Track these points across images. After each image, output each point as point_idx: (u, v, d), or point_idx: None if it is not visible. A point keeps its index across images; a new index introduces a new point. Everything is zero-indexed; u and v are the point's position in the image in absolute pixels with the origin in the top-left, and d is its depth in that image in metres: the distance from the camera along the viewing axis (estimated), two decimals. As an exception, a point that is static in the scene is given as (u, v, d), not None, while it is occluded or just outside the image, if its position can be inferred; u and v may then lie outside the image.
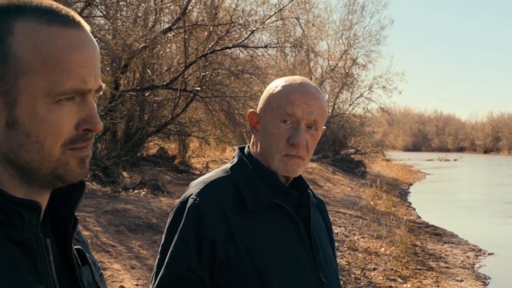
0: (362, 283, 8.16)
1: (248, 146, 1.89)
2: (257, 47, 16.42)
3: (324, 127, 1.85)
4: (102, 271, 1.23)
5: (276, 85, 1.83)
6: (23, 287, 0.93)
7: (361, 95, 33.60)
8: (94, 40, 1.03)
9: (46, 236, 0.99)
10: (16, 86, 0.95)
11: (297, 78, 1.85)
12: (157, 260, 1.76)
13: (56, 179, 1.00)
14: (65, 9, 1.00)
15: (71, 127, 0.99)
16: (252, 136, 1.89)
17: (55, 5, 1.00)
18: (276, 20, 16.93)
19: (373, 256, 9.82)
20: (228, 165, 1.86)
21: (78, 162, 1.01)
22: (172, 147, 20.39)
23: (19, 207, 0.95)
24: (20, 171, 0.98)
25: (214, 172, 1.86)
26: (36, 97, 0.96)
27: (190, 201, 1.74)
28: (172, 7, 14.97)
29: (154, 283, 1.73)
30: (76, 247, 1.09)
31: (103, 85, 1.04)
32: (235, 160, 1.86)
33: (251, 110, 1.88)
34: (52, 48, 0.96)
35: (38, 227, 0.97)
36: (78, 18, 1.01)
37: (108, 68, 12.28)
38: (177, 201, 1.81)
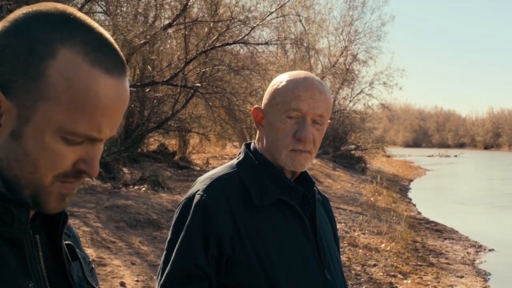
0: (362, 279, 8.16)
1: (254, 142, 1.89)
2: (257, 44, 16.38)
3: (329, 121, 1.85)
4: (93, 266, 1.22)
5: (281, 80, 1.82)
6: (12, 284, 0.93)
7: (362, 91, 33.58)
8: (128, 91, 1.01)
9: (35, 232, 0.99)
10: (35, 107, 0.94)
11: (301, 73, 1.84)
12: (163, 256, 1.76)
13: (33, 203, 0.98)
14: (115, 52, 0.98)
15: (70, 162, 0.98)
16: (258, 132, 1.88)
17: (108, 43, 0.97)
18: (277, 17, 16.91)
19: (373, 252, 9.82)
20: (234, 161, 1.86)
21: (59, 197, 0.99)
22: (172, 143, 20.39)
23: (8, 204, 0.94)
24: (5, 181, 0.97)
25: (221, 168, 1.85)
26: (49, 126, 0.94)
27: (197, 197, 1.74)
28: (172, 3, 14.94)
29: (160, 280, 1.73)
30: (66, 242, 1.09)
31: (116, 135, 1.03)
32: (241, 156, 1.86)
33: (256, 106, 1.87)
34: (85, 90, 0.94)
35: (27, 224, 0.96)
36: (124, 66, 0.99)
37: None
38: (183, 197, 1.81)
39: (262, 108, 1.84)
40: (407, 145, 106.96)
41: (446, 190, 25.23)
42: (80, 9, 10.83)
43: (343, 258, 8.92)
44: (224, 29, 15.12)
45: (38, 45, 0.93)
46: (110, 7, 13.12)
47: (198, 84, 15.31)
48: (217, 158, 20.88)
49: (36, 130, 0.94)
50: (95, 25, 0.97)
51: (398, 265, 9.23)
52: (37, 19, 0.94)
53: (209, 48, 15.14)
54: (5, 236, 0.94)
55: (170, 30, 14.90)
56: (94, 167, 0.99)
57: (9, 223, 0.94)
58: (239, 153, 1.88)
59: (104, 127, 0.97)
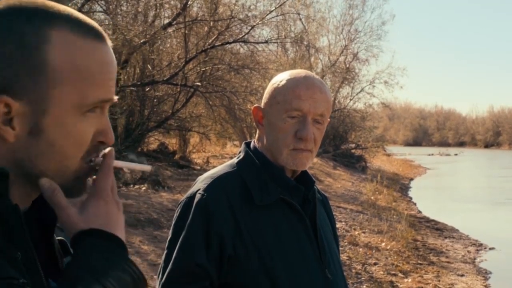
0: (363, 278, 8.16)
1: (254, 141, 1.88)
2: (257, 42, 16.37)
3: (328, 119, 1.85)
4: None
5: (281, 79, 1.81)
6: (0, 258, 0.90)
7: (362, 90, 33.56)
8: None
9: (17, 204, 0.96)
10: (48, 96, 0.95)
11: (301, 72, 1.84)
12: (164, 255, 1.76)
13: (65, 192, 1.00)
14: (93, 23, 1.01)
15: (90, 137, 1.01)
16: (257, 131, 1.88)
17: (83, 17, 1.01)
18: (277, 16, 16.90)
19: (374, 251, 9.82)
20: (235, 160, 1.86)
21: (86, 178, 1.02)
22: (172, 142, 20.37)
23: None
24: (29, 179, 0.98)
25: (221, 167, 1.85)
26: (67, 109, 0.96)
27: (198, 196, 1.74)
28: (172, 2, 14.94)
29: (161, 279, 1.72)
30: (59, 238, 1.08)
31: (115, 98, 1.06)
32: (242, 155, 1.85)
33: (256, 105, 1.87)
34: (89, 61, 0.97)
35: (7, 195, 0.94)
36: (104, 33, 1.03)
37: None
38: (183, 196, 1.81)
39: (262, 107, 1.84)
40: (408, 144, 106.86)
41: (447, 188, 25.23)
42: (80, 9, 10.83)
43: (344, 257, 8.91)
44: (224, 28, 15.11)
45: (26, 37, 0.93)
46: (110, 7, 13.12)
47: (198, 83, 15.30)
48: (217, 157, 20.86)
49: (56, 118, 0.96)
50: (56, 3, 1.00)
51: (399, 264, 9.23)
52: (9, 15, 0.94)
53: (209, 47, 15.13)
54: None
55: (170, 29, 14.90)
56: (110, 134, 1.03)
57: None
58: (239, 152, 1.88)
59: (112, 88, 1.02)
